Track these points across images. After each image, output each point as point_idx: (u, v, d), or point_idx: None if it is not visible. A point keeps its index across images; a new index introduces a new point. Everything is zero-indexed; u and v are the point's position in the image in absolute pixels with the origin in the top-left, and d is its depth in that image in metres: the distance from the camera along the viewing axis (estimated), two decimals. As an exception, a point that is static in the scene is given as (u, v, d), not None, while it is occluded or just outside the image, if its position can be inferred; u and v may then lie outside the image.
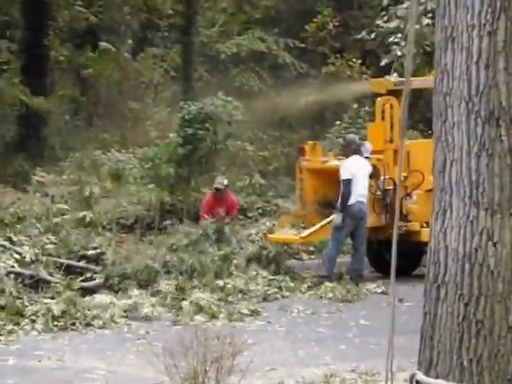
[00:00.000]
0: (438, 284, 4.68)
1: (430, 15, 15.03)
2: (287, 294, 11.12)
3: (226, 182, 13.41)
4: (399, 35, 15.75)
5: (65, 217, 13.20)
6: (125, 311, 9.44)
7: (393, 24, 16.36)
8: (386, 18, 16.84)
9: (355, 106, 19.19)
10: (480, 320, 4.53)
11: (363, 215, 11.83)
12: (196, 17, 26.11)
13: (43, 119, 21.25)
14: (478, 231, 4.57)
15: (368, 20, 21.23)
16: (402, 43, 15.11)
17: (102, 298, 9.61)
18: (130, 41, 25.62)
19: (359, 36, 19.58)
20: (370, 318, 9.70)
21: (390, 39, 16.07)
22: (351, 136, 13.08)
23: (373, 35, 17.84)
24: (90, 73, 23.28)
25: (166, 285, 10.27)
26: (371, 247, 13.01)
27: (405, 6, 15.68)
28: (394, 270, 4.97)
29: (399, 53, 15.45)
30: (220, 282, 10.70)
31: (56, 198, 14.57)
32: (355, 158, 12.03)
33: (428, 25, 14.18)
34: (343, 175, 11.81)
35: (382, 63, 16.16)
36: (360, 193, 11.80)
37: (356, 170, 11.86)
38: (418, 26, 14.00)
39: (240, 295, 10.56)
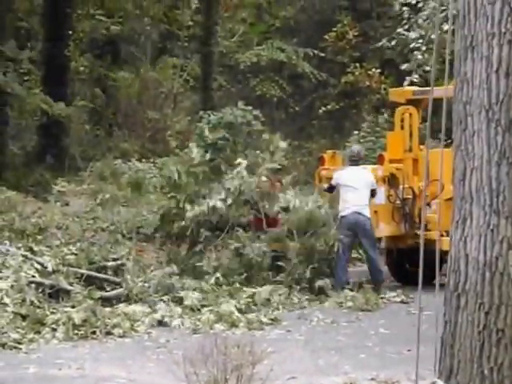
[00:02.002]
0: (458, 293, 4.68)
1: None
2: (307, 302, 11.11)
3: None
4: (420, 41, 15.76)
5: (85, 227, 13.27)
6: (146, 320, 9.47)
7: (414, 34, 16.36)
8: (406, 27, 16.84)
9: (374, 115, 19.19)
10: (501, 329, 4.52)
11: (361, 225, 11.76)
12: (215, 27, 26.21)
13: (64, 129, 21.38)
14: (498, 240, 4.56)
15: (387, 30, 21.22)
16: (423, 48, 15.10)
17: (123, 307, 9.66)
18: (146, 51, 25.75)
19: (379, 44, 19.59)
20: (390, 327, 9.68)
21: (412, 45, 16.06)
22: (353, 147, 13.18)
23: (393, 42, 17.85)
24: (116, 84, 23.46)
25: (188, 293, 10.30)
26: (390, 256, 13.00)
27: (425, 13, 15.67)
28: (421, 279, 4.96)
29: (420, 56, 15.44)
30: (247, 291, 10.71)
31: (76, 207, 14.66)
32: (351, 168, 12.08)
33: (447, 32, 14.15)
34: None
35: (403, 67, 16.14)
36: (356, 203, 11.75)
37: (346, 180, 11.88)
38: (439, 33, 13.97)
39: (260, 304, 10.55)
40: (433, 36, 12.54)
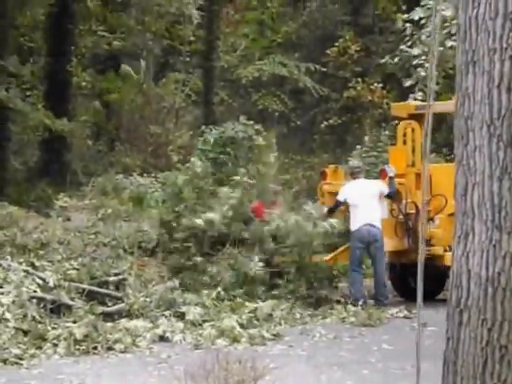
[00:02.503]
0: (460, 308, 4.65)
1: (454, 38, 15.05)
2: (309, 317, 11.08)
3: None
4: (423, 57, 15.80)
5: (87, 242, 13.25)
6: (147, 335, 9.44)
7: (417, 51, 16.41)
8: (409, 43, 16.90)
9: (376, 130, 19.21)
10: (504, 345, 4.49)
11: (374, 238, 11.78)
12: (217, 42, 26.32)
13: (66, 144, 21.43)
14: (500, 255, 4.54)
15: (389, 45, 21.29)
16: (426, 65, 15.14)
17: (125, 322, 9.63)
18: (142, 63, 25.75)
19: (383, 61, 19.67)
20: (393, 343, 9.64)
21: (414, 62, 16.11)
22: (353, 162, 13.24)
23: (396, 59, 17.90)
24: (112, 98, 23.47)
25: (190, 308, 10.27)
26: (394, 271, 12.97)
27: (428, 29, 15.72)
28: (420, 294, 4.93)
29: (423, 73, 15.48)
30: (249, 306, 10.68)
31: (78, 222, 14.64)
32: (355, 181, 12.10)
33: (452, 47, 14.21)
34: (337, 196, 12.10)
35: (407, 84, 16.17)
36: (365, 216, 11.77)
37: (353, 194, 11.90)
38: (441, 48, 14.01)
39: (263, 319, 10.51)
40: (435, 53, 12.57)
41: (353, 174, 12.28)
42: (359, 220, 11.79)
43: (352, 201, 11.95)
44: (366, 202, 11.82)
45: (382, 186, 12.14)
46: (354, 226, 11.85)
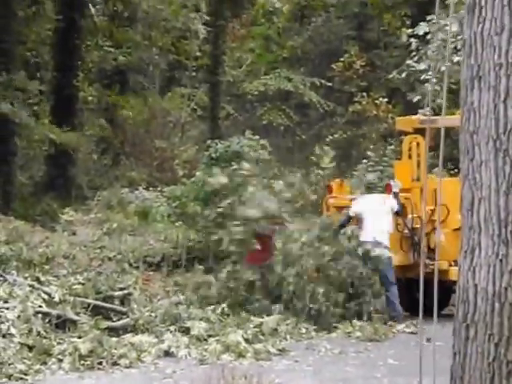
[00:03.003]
0: (467, 323, 4.63)
1: (460, 53, 15.11)
2: (314, 332, 11.04)
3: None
4: (430, 73, 15.85)
5: (92, 256, 13.26)
6: (153, 350, 9.41)
7: (423, 66, 16.46)
8: (416, 59, 16.95)
9: (381, 144, 19.23)
10: (511, 361, 4.47)
11: (379, 255, 11.74)
12: (223, 57, 26.39)
13: (71, 159, 21.47)
14: (507, 270, 4.53)
15: (394, 59, 21.33)
16: (434, 80, 15.17)
17: (130, 337, 9.61)
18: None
19: (390, 76, 19.73)
20: (399, 358, 9.60)
21: (422, 77, 16.16)
22: (368, 175, 13.17)
23: (403, 74, 17.96)
24: (124, 114, 23.57)
25: (195, 322, 10.25)
26: (399, 286, 12.92)
27: (435, 44, 15.79)
28: (421, 309, 4.92)
29: (430, 88, 15.53)
30: (254, 321, 10.65)
31: (83, 236, 14.65)
32: (369, 196, 12.09)
33: (458, 63, 14.26)
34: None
35: (415, 99, 16.21)
36: (375, 232, 11.74)
37: (365, 208, 11.88)
38: (448, 64, 14.05)
39: (268, 334, 10.48)
40: (443, 68, 12.61)
41: (368, 189, 12.25)
42: (367, 235, 11.76)
43: (362, 215, 11.91)
44: (376, 218, 11.79)
45: (393, 203, 12.10)
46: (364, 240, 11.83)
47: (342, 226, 12.18)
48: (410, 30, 17.72)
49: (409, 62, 17.18)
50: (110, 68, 25.14)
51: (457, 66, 14.38)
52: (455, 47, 14.81)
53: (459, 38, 14.06)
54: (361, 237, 11.88)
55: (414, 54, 17.04)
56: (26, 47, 23.48)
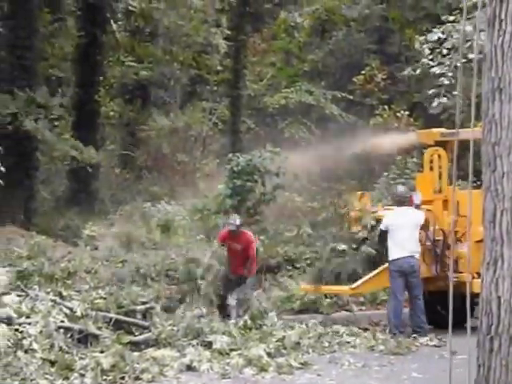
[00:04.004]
0: (491, 336, 4.60)
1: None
2: (337, 346, 10.98)
3: (238, 221, 12.79)
4: (445, 69, 15.87)
5: (114, 270, 13.29)
6: (175, 365, 9.40)
7: (438, 70, 16.47)
8: (431, 57, 17.02)
9: (403, 156, 19.17)
10: (535, 373, 4.43)
11: (412, 269, 11.65)
12: (244, 71, 26.45)
13: (93, 173, 21.57)
14: (530, 282, 4.49)
15: (411, 66, 21.31)
16: (454, 92, 15.16)
17: (152, 351, 9.60)
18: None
19: (404, 72, 19.79)
20: (423, 371, 9.52)
21: (439, 74, 16.15)
22: (399, 188, 13.03)
23: (418, 71, 17.99)
24: (146, 128, 23.71)
25: (217, 336, 10.23)
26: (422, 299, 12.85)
27: (444, 51, 15.86)
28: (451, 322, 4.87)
29: (447, 102, 15.49)
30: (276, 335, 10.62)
31: (106, 250, 14.70)
32: (400, 209, 11.99)
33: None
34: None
35: (435, 109, 16.17)
36: (408, 246, 11.67)
37: (396, 221, 11.79)
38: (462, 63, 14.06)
39: (290, 348, 10.43)
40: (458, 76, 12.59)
41: (399, 202, 12.15)
42: (399, 249, 11.65)
43: (394, 228, 11.81)
44: (407, 231, 11.70)
45: (422, 216, 11.99)
46: (393, 255, 11.72)
47: (382, 240, 12.01)
48: (422, 38, 17.80)
49: (424, 60, 17.21)
50: (132, 83, 25.28)
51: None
52: (470, 46, 14.82)
53: (474, 37, 14.06)
54: (391, 251, 11.72)
55: (429, 53, 17.12)
56: (48, 63, 23.68)
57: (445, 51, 16.29)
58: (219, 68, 27.08)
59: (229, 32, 25.48)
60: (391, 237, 11.79)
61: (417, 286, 11.76)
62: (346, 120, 25.64)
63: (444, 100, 15.62)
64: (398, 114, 22.98)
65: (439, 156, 12.73)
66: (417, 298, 11.77)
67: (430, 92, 16.55)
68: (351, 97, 25.94)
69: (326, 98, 26.22)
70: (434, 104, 16.57)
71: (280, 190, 15.80)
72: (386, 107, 24.02)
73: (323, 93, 26.43)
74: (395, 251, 11.66)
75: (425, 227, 12.22)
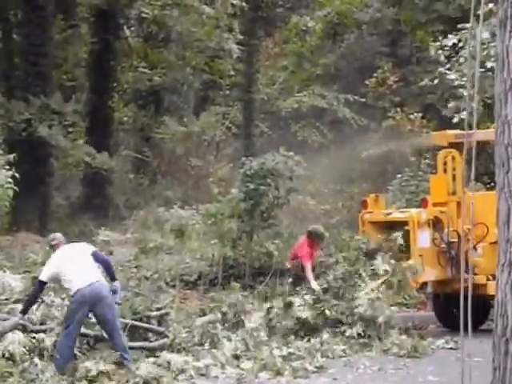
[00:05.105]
0: (506, 338, 4.58)
1: (493, 59, 15.08)
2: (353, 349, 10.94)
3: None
4: (463, 80, 15.83)
5: (129, 276, 13.31)
6: (190, 370, 9.40)
7: (454, 75, 16.46)
8: (448, 66, 17.00)
9: (416, 158, 19.15)
10: (551, 375, 4.41)
11: None
12: (257, 75, 26.49)
13: (107, 179, 21.64)
14: (545, 283, 4.47)
15: (427, 74, 21.28)
16: (466, 93, 15.14)
17: (167, 357, 9.60)
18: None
19: (422, 83, 19.79)
20: (439, 374, 9.49)
21: (456, 83, 16.13)
22: None
23: (436, 81, 17.97)
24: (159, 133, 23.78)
25: (231, 341, 10.23)
26: (437, 301, 12.80)
27: (461, 59, 15.82)
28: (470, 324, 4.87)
29: (464, 106, 15.49)
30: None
31: (120, 256, 14.73)
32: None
33: (492, 69, 14.18)
34: None
35: (450, 104, 16.17)
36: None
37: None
38: (482, 70, 14.01)
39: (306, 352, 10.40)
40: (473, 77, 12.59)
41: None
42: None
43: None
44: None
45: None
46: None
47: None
48: (437, 43, 17.75)
49: (440, 69, 17.19)
50: (145, 88, 25.35)
51: (490, 72, 14.29)
52: (487, 53, 14.78)
53: (491, 45, 14.03)
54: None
55: (445, 61, 17.09)
56: (62, 70, 23.80)
57: (462, 59, 16.27)
58: (232, 72, 27.12)
59: (241, 36, 25.53)
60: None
61: None
62: (359, 123, 25.62)
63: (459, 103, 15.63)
64: (411, 117, 22.93)
65: (453, 158, 12.70)
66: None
67: (451, 104, 16.54)
68: (364, 100, 25.92)
69: (339, 102, 26.21)
70: (450, 105, 16.57)
71: (293, 194, 15.80)
72: (398, 110, 23.98)
73: (335, 96, 26.42)
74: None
75: (439, 229, 12.19)
